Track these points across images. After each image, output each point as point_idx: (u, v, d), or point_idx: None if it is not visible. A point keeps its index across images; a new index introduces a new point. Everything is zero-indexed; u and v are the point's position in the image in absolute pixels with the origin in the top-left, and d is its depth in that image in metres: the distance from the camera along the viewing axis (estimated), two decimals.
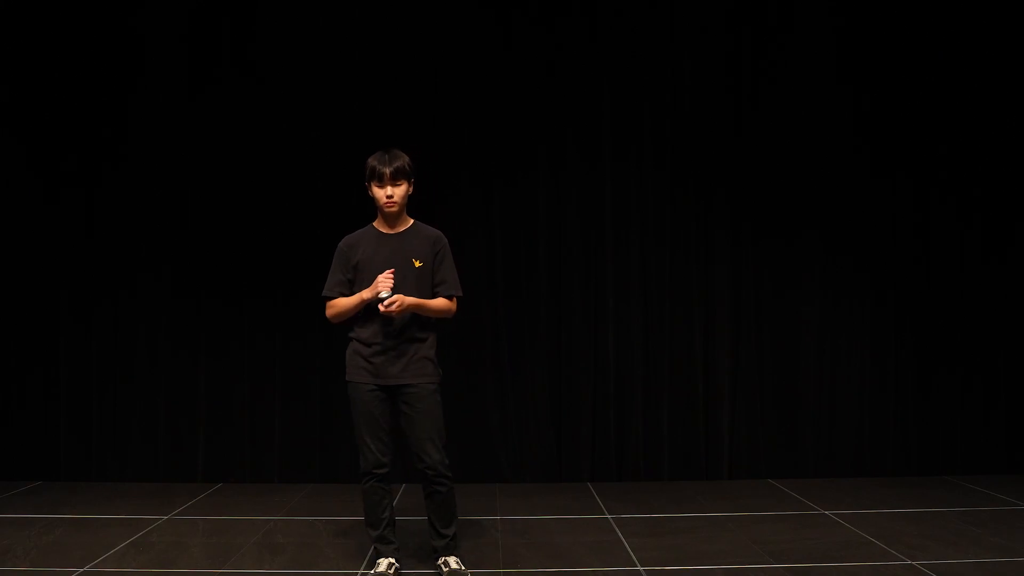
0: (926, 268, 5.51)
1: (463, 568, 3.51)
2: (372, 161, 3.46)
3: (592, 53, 5.44)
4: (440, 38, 5.39)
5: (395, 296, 3.30)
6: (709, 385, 5.43)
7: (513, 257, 5.41)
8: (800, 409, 5.45)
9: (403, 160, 3.45)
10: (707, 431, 5.42)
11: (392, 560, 3.52)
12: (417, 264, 3.47)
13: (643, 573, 3.62)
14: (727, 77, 5.47)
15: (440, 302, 3.49)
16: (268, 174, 5.35)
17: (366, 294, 3.37)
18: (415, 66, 5.38)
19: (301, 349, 5.34)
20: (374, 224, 3.58)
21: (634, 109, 5.45)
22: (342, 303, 3.46)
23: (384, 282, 3.32)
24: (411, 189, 3.52)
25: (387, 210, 3.47)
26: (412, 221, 3.58)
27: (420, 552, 3.82)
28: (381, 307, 3.30)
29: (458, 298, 3.57)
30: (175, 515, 4.54)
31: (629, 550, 3.92)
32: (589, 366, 5.39)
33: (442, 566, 3.50)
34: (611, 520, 4.45)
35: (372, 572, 3.49)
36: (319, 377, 5.33)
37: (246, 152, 5.36)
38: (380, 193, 3.45)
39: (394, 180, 3.42)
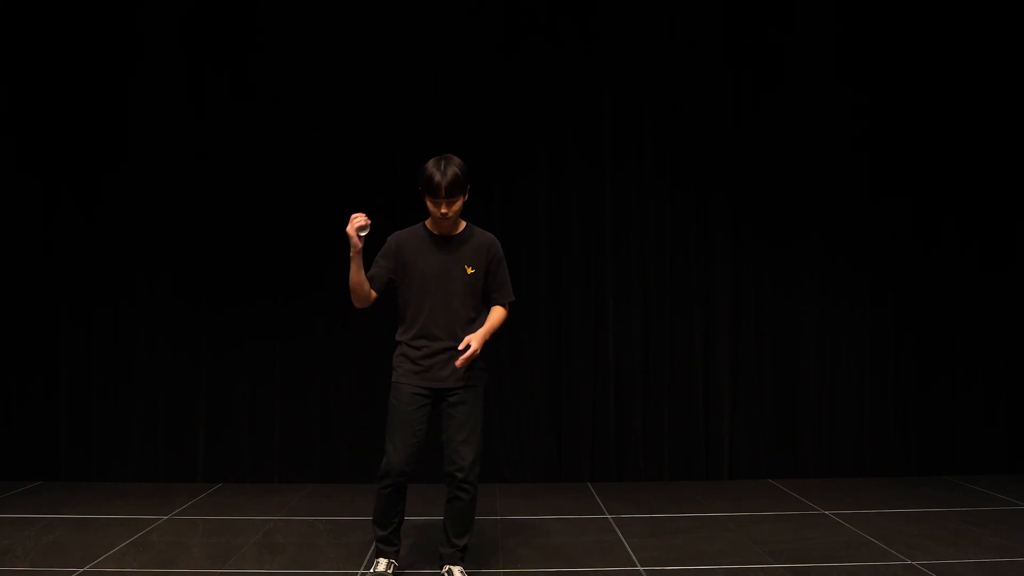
0: (926, 268, 5.51)
1: None
2: (429, 171, 3.28)
3: (592, 53, 5.44)
4: (440, 38, 5.39)
5: (470, 349, 3.25)
6: (709, 385, 5.43)
7: (513, 257, 5.31)
8: (800, 409, 5.45)
9: (457, 172, 3.27)
10: (707, 431, 5.42)
11: (391, 560, 3.51)
12: (470, 271, 3.39)
13: (643, 573, 3.62)
14: (727, 77, 5.47)
15: (498, 317, 3.43)
16: (268, 174, 5.35)
17: (352, 246, 3.25)
18: (415, 66, 5.38)
19: (301, 349, 5.33)
20: (426, 224, 3.46)
21: (634, 109, 5.46)
22: (351, 280, 3.33)
23: (358, 225, 3.23)
24: (467, 197, 3.38)
25: (440, 224, 3.37)
26: (464, 224, 3.47)
27: (418, 554, 3.82)
28: (458, 363, 3.27)
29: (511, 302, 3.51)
30: (175, 515, 4.54)
31: (629, 550, 3.92)
32: (589, 366, 5.39)
33: (446, 575, 3.46)
34: (611, 520, 4.45)
35: (371, 571, 3.49)
36: (319, 377, 5.34)
37: (246, 152, 5.36)
38: (434, 209, 3.32)
39: (449, 196, 3.27)
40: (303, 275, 5.31)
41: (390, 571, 3.48)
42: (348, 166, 5.33)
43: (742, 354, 5.46)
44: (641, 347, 5.42)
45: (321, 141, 5.36)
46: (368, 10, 5.39)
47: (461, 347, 3.28)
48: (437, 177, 3.26)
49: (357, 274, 3.33)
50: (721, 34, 5.47)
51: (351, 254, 3.29)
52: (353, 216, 3.28)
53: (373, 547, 3.62)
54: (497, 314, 3.46)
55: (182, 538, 4.12)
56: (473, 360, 3.34)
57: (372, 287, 3.41)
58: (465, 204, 3.39)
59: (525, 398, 5.37)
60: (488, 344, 3.43)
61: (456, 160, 3.33)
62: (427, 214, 3.41)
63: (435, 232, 3.43)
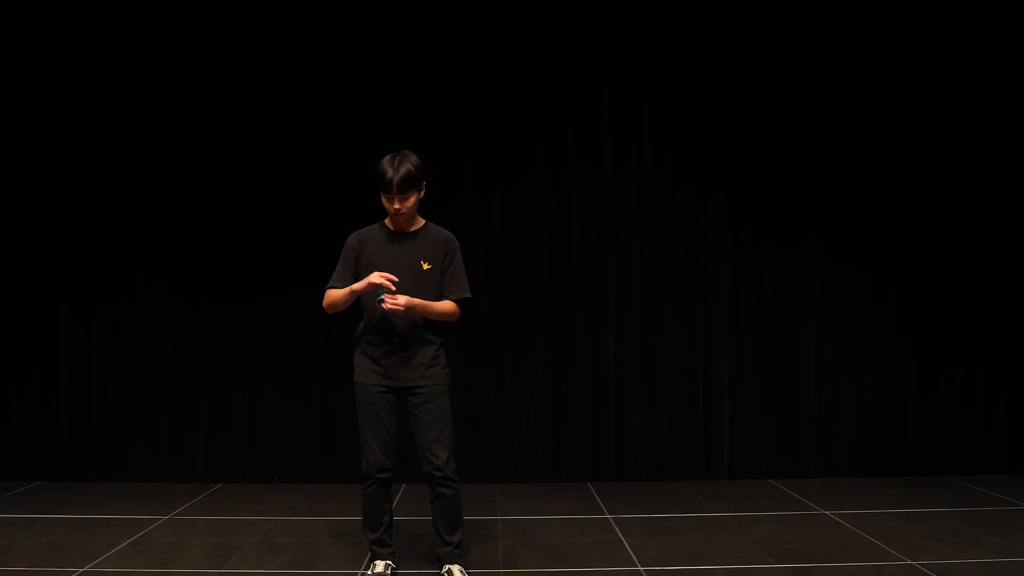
0: (926, 268, 5.51)
1: None
2: (382, 168, 3.33)
3: (592, 53, 5.44)
4: (440, 38, 5.39)
5: (399, 296, 3.25)
6: (709, 385, 5.43)
7: (513, 257, 5.41)
8: (800, 409, 5.45)
9: (411, 169, 3.31)
10: (707, 431, 5.42)
11: (388, 562, 3.51)
12: (425, 267, 3.42)
13: (643, 573, 3.62)
14: (727, 77, 5.47)
15: (445, 305, 3.42)
16: (268, 174, 5.35)
17: (358, 287, 3.31)
18: (415, 66, 5.38)
19: (301, 349, 5.33)
20: (385, 222, 3.51)
21: (634, 109, 5.45)
22: (334, 294, 3.42)
23: (378, 279, 3.24)
24: (423, 193, 3.43)
25: (396, 219, 3.42)
26: (423, 222, 3.52)
27: (417, 553, 3.82)
28: (384, 305, 3.23)
29: (464, 300, 3.49)
30: (175, 515, 4.54)
31: (629, 550, 3.92)
32: (589, 366, 5.39)
33: (445, 575, 3.46)
34: (611, 520, 4.45)
35: (369, 573, 3.49)
36: (319, 377, 5.34)
37: (246, 152, 5.36)
38: (388, 205, 3.38)
39: (401, 192, 3.31)
40: (303, 275, 5.29)
41: (388, 572, 3.49)
42: (348, 166, 5.32)
43: (742, 354, 5.46)
44: (641, 347, 5.42)
45: (321, 141, 5.36)
46: (368, 10, 5.39)
47: (393, 297, 3.24)
48: (389, 173, 3.31)
49: (346, 299, 3.39)
50: (721, 34, 5.46)
51: (355, 287, 3.32)
52: (382, 281, 3.25)
53: (369, 552, 3.61)
54: (444, 303, 3.43)
55: (182, 538, 4.12)
56: (432, 360, 3.41)
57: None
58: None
59: (525, 398, 5.37)
60: (446, 344, 3.49)
61: (412, 157, 3.37)
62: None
63: (392, 229, 3.47)
